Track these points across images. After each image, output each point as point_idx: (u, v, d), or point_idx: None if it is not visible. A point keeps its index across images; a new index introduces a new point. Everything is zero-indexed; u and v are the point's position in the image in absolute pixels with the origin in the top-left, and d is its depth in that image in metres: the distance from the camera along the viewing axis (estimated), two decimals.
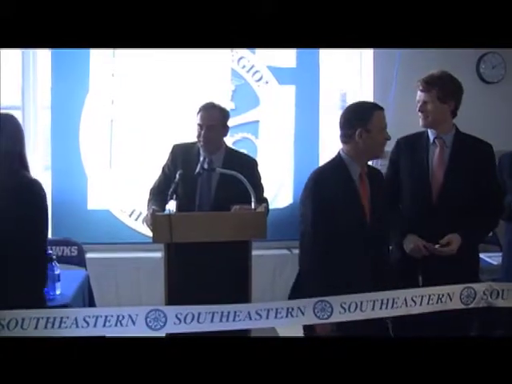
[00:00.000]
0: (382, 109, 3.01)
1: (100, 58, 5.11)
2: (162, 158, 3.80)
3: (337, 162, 3.05)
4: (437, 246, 3.08)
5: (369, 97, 5.22)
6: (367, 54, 5.45)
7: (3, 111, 2.99)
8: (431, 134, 3.23)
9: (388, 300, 2.42)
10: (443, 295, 2.47)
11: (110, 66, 5.14)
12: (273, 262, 5.20)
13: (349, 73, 5.66)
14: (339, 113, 3.10)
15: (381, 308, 2.41)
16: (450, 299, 2.48)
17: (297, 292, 3.04)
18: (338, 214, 2.93)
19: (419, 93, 3.20)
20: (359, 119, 2.96)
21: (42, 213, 2.85)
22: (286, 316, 2.34)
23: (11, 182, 2.78)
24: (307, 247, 2.99)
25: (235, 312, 2.31)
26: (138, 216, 5.11)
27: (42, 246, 2.87)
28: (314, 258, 2.95)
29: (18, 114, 5.06)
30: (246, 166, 3.58)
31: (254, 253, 3.34)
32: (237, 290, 3.23)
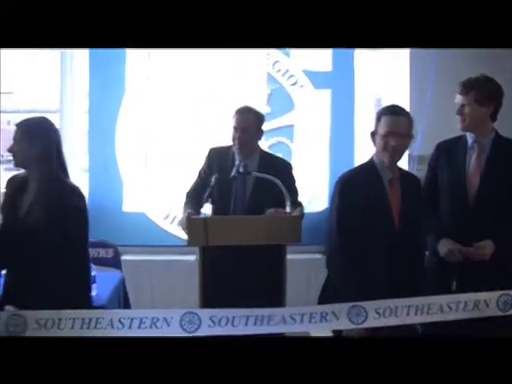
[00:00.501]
0: (394, 114, 2.95)
1: (135, 61, 5.15)
2: (198, 161, 3.81)
3: (367, 166, 3.03)
4: (470, 250, 3.04)
5: (404, 101, 5.16)
6: (403, 56, 5.39)
7: (38, 115, 3.04)
8: (469, 137, 3.19)
9: (423, 306, 2.39)
10: (480, 301, 2.44)
11: (145, 69, 5.18)
12: (307, 267, 5.17)
13: (384, 77, 5.60)
14: (374, 117, 3.08)
15: (416, 314, 2.39)
16: (487, 305, 2.44)
17: (325, 295, 3.04)
18: (364, 216, 2.91)
19: (457, 95, 3.16)
20: (375, 122, 2.97)
21: (83, 217, 2.88)
22: (320, 321, 2.33)
23: (50, 186, 2.82)
24: (333, 249, 2.98)
25: (269, 316, 2.31)
26: (173, 219, 5.14)
27: (84, 250, 2.91)
28: (340, 260, 2.94)
29: (56, 118, 5.17)
30: (281, 169, 3.57)
31: (289, 257, 3.33)
32: (271, 293, 3.22)
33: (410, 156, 4.85)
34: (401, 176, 3.04)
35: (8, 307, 2.58)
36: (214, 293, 3.16)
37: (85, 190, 5.06)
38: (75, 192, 2.88)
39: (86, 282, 2.93)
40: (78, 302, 2.60)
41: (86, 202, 2.94)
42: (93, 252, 3.80)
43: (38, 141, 2.83)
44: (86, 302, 2.85)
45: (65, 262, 2.76)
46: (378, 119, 2.95)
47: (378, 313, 2.37)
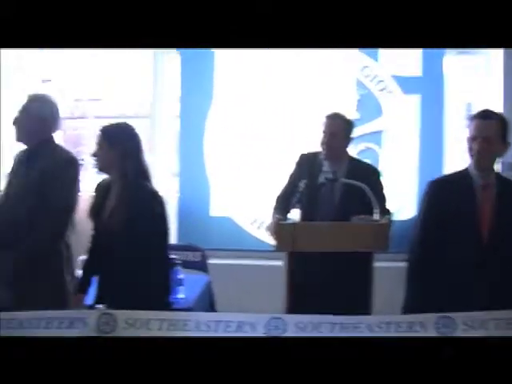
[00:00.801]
0: (482, 118, 2.84)
1: (224, 65, 5.22)
2: (287, 166, 3.82)
3: (461, 171, 2.95)
4: None
5: (497, 106, 5.00)
6: (496, 59, 5.23)
7: (121, 120, 3.12)
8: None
9: None
10: None
11: (233, 74, 5.24)
12: (395, 275, 5.08)
13: (475, 81, 5.45)
14: (464, 123, 3.00)
15: (507, 328, 2.30)
16: None
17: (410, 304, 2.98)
18: (451, 223, 2.83)
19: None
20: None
21: (161, 222, 2.94)
22: (407, 330, 2.29)
23: (130, 191, 2.89)
24: (416, 252, 2.92)
25: (356, 323, 2.28)
26: (260, 224, 5.16)
27: (163, 253, 2.96)
28: (422, 265, 2.88)
29: (146, 123, 5.31)
30: (370, 176, 3.53)
31: (376, 264, 3.29)
32: (357, 301, 3.19)
33: (502, 163, 4.69)
34: (498, 183, 2.93)
35: (99, 306, 2.66)
36: (300, 299, 3.15)
37: (175, 195, 5.20)
38: (154, 197, 2.93)
39: (165, 284, 2.98)
40: (157, 304, 2.65)
41: (166, 206, 2.99)
42: (181, 255, 3.86)
43: (118, 146, 2.90)
44: (165, 305, 2.90)
45: (143, 265, 2.82)
46: (470, 124, 2.87)
47: (467, 324, 2.30)
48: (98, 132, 2.96)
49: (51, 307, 2.66)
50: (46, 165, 3.06)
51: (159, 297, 2.89)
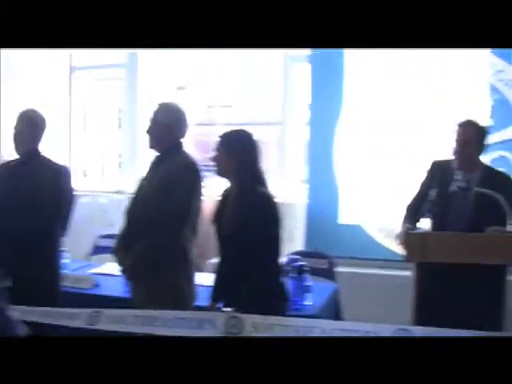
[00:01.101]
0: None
1: (354, 72, 5.19)
2: (417, 174, 3.75)
3: None
4: None
5: None
6: None
7: (240, 128, 3.19)
8: None
9: None
10: None
11: (363, 79, 5.20)
12: None
13: None
14: None
15: None
16: None
17: None
18: None
19: None
20: None
21: (273, 228, 2.97)
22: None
23: (245, 196, 2.94)
24: None
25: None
26: (388, 233, 5.08)
27: (275, 259, 2.99)
28: None
29: (277, 130, 5.38)
30: (504, 185, 3.39)
31: (510, 278, 3.16)
32: (488, 315, 3.08)
33: None
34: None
35: (226, 309, 2.72)
36: (428, 310, 3.08)
37: (303, 201, 5.23)
38: (269, 202, 2.97)
39: (278, 289, 3.00)
40: (272, 309, 2.68)
41: (280, 212, 3.01)
42: (309, 262, 3.87)
43: (235, 153, 2.97)
44: (280, 310, 2.92)
45: (257, 270, 2.86)
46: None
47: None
48: (218, 138, 3.05)
49: (164, 307, 2.78)
50: (169, 169, 3.18)
51: (273, 302, 2.92)
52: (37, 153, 3.60)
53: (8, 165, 3.66)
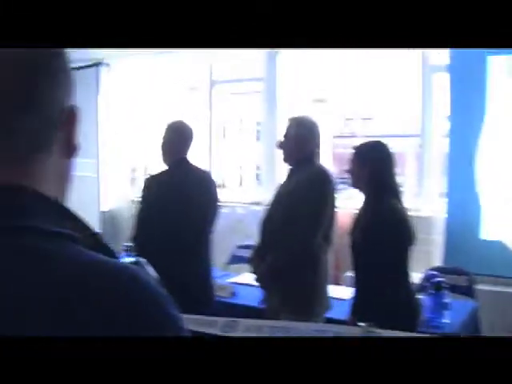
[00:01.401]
0: None
1: (497, 79, 4.96)
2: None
3: None
4: None
5: None
6: None
7: (376, 139, 3.16)
8: None
9: None
10: None
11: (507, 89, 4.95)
12: None
13: None
14: None
15: None
16: None
17: None
18: None
19: None
20: None
21: (405, 243, 2.91)
22: None
23: (378, 208, 2.91)
24: None
25: None
26: None
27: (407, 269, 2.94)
28: None
29: (415, 142, 5.27)
30: None
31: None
32: None
33: None
34: None
35: (361, 324, 2.70)
36: None
37: (441, 215, 5.08)
38: (398, 215, 2.92)
39: (409, 304, 2.96)
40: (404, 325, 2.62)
41: (412, 225, 2.95)
42: (448, 279, 3.76)
43: (367, 162, 2.95)
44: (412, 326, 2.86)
45: (384, 285, 2.83)
46: None
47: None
48: (352, 150, 3.05)
49: (297, 315, 2.79)
50: (300, 179, 3.21)
51: (404, 317, 2.85)
52: (186, 161, 3.61)
53: (159, 176, 3.63)
